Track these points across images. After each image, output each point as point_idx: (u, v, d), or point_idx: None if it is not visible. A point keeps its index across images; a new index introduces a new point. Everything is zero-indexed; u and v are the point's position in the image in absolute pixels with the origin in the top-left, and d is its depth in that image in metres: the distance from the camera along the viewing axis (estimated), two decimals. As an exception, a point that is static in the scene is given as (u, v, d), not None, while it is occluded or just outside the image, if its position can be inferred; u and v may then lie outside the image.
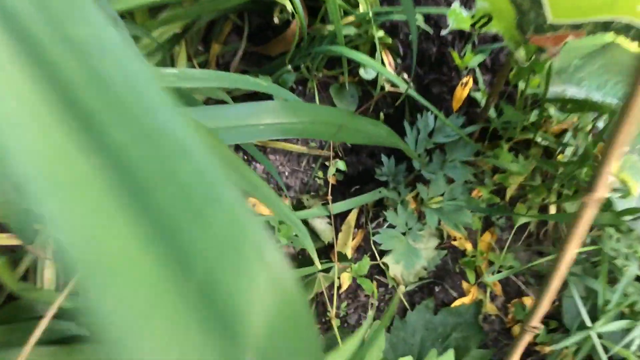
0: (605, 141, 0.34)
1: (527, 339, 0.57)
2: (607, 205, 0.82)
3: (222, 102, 1.34)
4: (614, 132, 0.33)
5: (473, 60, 1.07)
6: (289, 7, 1.07)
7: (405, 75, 1.20)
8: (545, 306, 0.55)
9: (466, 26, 0.88)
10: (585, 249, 0.99)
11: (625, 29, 0.75)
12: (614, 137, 0.33)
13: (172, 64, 1.37)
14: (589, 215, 0.40)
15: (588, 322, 0.89)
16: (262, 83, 0.79)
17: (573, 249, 0.43)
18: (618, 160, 0.93)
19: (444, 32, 1.14)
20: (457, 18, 0.86)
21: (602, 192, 0.37)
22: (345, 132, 0.73)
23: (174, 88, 0.78)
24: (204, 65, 1.44)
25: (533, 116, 1.11)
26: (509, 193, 1.16)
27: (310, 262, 1.16)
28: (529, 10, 0.77)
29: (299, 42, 1.31)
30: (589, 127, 1.08)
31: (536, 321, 0.57)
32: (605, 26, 0.76)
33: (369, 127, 0.75)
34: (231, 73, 0.77)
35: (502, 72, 1.00)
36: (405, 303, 1.13)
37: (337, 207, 1.14)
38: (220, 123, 0.66)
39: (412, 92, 0.99)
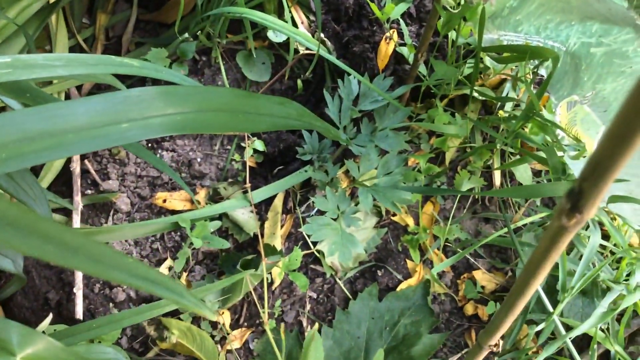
0: (604, 140, 0.19)
1: (484, 354, 0.44)
2: (560, 167, 0.71)
3: (112, 88, 1.15)
4: (620, 130, 0.19)
5: (395, 10, 0.92)
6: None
7: (322, 34, 1.04)
8: (505, 327, 0.43)
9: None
10: (539, 216, 0.89)
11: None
12: (624, 137, 0.19)
13: (50, 45, 1.16)
14: (567, 241, 0.27)
15: (549, 308, 0.79)
16: (132, 64, 0.62)
17: (543, 276, 0.31)
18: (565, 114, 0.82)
19: None
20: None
21: (593, 212, 0.24)
22: (243, 119, 0.57)
23: (9, 82, 0.60)
24: (91, 41, 1.23)
25: (467, 69, 0.98)
26: (449, 157, 1.04)
27: (236, 259, 1.01)
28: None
29: (193, 6, 1.12)
30: (530, 75, 0.96)
31: (494, 340, 0.44)
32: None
33: (274, 109, 0.60)
34: (88, 55, 0.59)
35: (430, 22, 0.85)
36: (347, 292, 1.01)
37: (259, 194, 0.99)
38: (67, 125, 0.49)
39: (327, 55, 0.84)
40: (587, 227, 0.78)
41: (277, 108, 0.61)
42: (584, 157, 0.72)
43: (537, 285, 0.32)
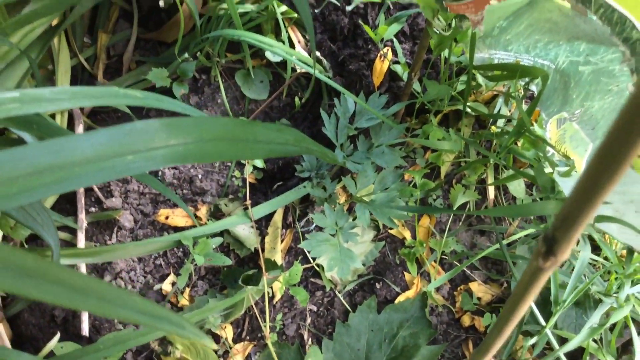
0: (572, 196, 0.22)
1: (541, 281, 0.46)
2: (549, 185, 0.74)
3: (116, 112, 1.17)
4: (595, 173, 0.22)
5: (388, 31, 0.95)
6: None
7: (318, 53, 1.07)
8: (491, 354, 0.45)
9: (375, -3, 0.76)
10: (528, 230, 0.91)
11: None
12: (596, 180, 0.22)
13: (53, 65, 1.18)
14: (544, 280, 0.29)
15: (541, 321, 0.81)
16: (135, 94, 0.65)
17: (524, 310, 0.33)
18: (555, 131, 0.85)
19: (349, 8, 1.01)
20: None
21: (566, 255, 0.26)
22: (243, 147, 0.60)
23: (18, 117, 0.63)
24: (92, 60, 1.26)
25: (461, 84, 1.01)
26: (444, 171, 1.07)
27: (237, 274, 1.03)
28: (443, -25, 0.65)
29: (193, 26, 1.15)
30: (522, 92, 0.99)
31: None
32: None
33: (273, 136, 0.62)
34: (92, 87, 0.61)
35: (422, 42, 0.88)
36: (346, 305, 1.04)
37: (260, 210, 1.01)
38: (74, 158, 0.52)
39: (322, 77, 0.86)
40: (577, 242, 0.80)
41: (276, 135, 0.63)
42: (575, 173, 0.75)
43: (519, 318, 0.34)
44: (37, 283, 0.32)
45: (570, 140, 0.80)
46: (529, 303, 0.32)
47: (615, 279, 0.80)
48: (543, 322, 0.81)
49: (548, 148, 0.84)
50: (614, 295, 0.80)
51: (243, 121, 0.61)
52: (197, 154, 0.58)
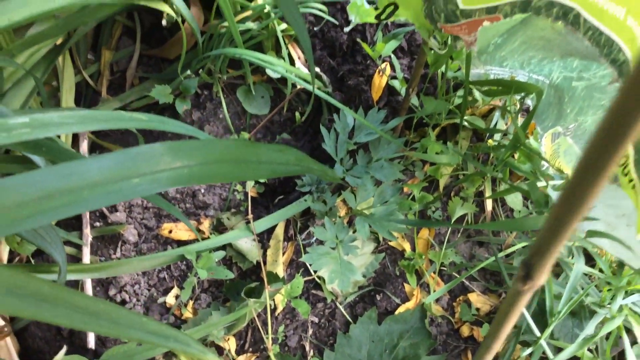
0: (545, 227, 0.24)
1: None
2: (543, 200, 0.75)
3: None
4: (568, 198, 0.24)
5: (386, 48, 0.97)
6: (173, 14, 0.93)
7: (317, 69, 1.09)
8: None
9: (370, 19, 0.78)
10: (522, 243, 0.93)
11: (548, 7, 0.66)
12: (569, 209, 0.24)
13: (58, 81, 1.20)
14: (525, 301, 0.31)
15: (536, 332, 0.83)
16: (140, 118, 0.67)
17: (509, 329, 0.35)
18: (549, 145, 0.86)
19: (347, 29, 1.03)
20: (360, 11, 0.76)
21: (543, 278, 0.28)
22: (245, 168, 0.62)
23: (28, 142, 0.65)
24: (96, 76, 1.28)
25: (458, 98, 1.03)
26: (443, 183, 1.08)
27: (240, 287, 1.05)
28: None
29: (195, 43, 1.17)
30: (517, 106, 1.01)
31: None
32: (524, 6, 0.68)
33: (274, 156, 0.64)
34: (99, 111, 0.64)
35: (419, 60, 0.90)
36: (347, 316, 1.05)
37: (261, 224, 1.03)
38: (83, 182, 0.54)
39: (321, 94, 0.89)
40: (572, 255, 0.82)
41: (277, 155, 0.65)
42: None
43: (505, 335, 0.36)
44: (53, 308, 0.34)
45: (564, 155, 0.82)
46: (513, 321, 0.34)
47: (609, 290, 0.82)
48: (538, 333, 0.83)
49: (543, 162, 0.86)
50: (608, 306, 0.81)
51: (245, 143, 0.64)
52: (201, 176, 0.60)
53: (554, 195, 0.74)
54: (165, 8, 0.91)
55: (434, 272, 1.05)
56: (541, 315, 0.92)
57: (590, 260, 0.92)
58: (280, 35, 1.03)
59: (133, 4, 0.89)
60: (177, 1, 0.87)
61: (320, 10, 0.99)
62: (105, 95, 1.28)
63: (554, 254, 0.26)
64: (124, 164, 0.57)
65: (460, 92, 1.02)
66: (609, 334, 0.90)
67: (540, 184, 0.83)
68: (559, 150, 0.84)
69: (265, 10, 0.98)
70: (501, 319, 0.34)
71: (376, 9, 0.75)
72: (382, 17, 0.76)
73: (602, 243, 0.66)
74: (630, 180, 0.53)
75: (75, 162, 0.55)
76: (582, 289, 0.85)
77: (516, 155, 0.96)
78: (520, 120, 0.98)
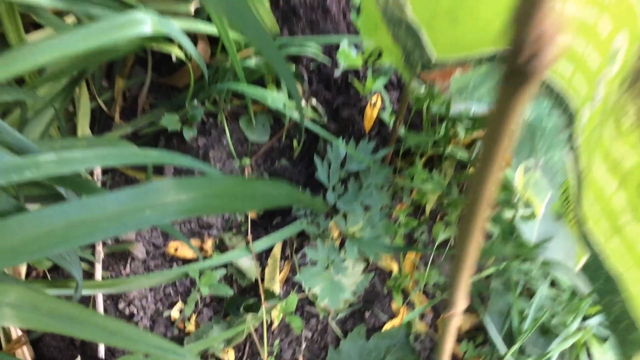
0: (456, 252, 0.33)
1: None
2: (510, 228, 0.84)
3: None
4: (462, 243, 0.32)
5: (376, 84, 1.06)
6: (181, 55, 1.02)
7: (314, 101, 1.18)
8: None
9: (358, 64, 0.87)
10: (492, 269, 1.01)
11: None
12: (463, 249, 0.32)
13: (74, 107, 1.30)
14: (455, 326, 0.39)
15: (502, 349, 0.90)
16: (152, 154, 0.76)
17: (449, 348, 0.43)
18: (521, 177, 0.95)
19: (337, 74, 1.12)
20: (348, 58, 0.85)
21: (462, 305, 0.37)
22: (242, 201, 0.71)
23: (54, 177, 0.74)
24: (110, 103, 1.38)
25: (442, 129, 1.11)
26: (429, 207, 1.17)
27: (239, 303, 1.14)
28: (413, 50, 0.76)
29: (201, 74, 1.26)
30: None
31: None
32: (490, 59, 0.76)
33: (268, 190, 0.73)
34: (118, 148, 0.73)
35: (404, 95, 0.99)
36: (338, 331, 1.13)
37: (260, 244, 1.11)
38: (101, 214, 0.63)
39: (314, 127, 0.97)
40: (537, 280, 0.90)
41: (270, 190, 0.74)
42: (535, 218, 0.85)
43: (447, 356, 0.44)
44: (80, 326, 0.43)
45: (533, 187, 0.90)
46: (450, 342, 0.42)
47: (570, 312, 0.89)
48: (505, 349, 0.91)
49: (516, 192, 0.94)
50: (569, 325, 0.89)
51: (243, 180, 0.73)
52: (203, 208, 0.69)
53: (522, 225, 0.82)
54: (175, 50, 1.00)
55: (419, 292, 1.13)
56: (511, 337, 1.00)
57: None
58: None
59: (145, 47, 0.99)
60: (184, 42, 0.97)
61: (314, 52, 1.09)
62: (118, 121, 1.37)
63: (463, 285, 0.35)
64: (137, 198, 0.66)
65: (445, 124, 1.11)
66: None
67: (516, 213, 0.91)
68: (529, 182, 0.92)
69: (266, 49, 1.07)
70: (440, 343, 0.42)
71: (363, 53, 0.84)
72: (369, 62, 0.85)
73: (558, 270, 0.73)
74: (570, 214, 0.61)
75: (95, 197, 0.64)
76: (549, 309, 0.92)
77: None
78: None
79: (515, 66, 0.28)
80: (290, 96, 1.18)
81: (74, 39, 0.82)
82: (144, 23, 0.84)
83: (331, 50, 1.18)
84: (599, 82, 0.57)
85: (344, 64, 0.86)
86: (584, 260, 0.56)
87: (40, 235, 0.60)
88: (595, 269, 0.54)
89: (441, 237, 1.11)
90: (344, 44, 0.85)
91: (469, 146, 1.17)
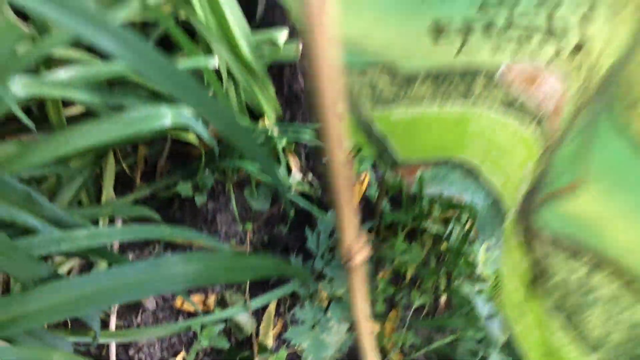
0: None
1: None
2: (464, 301, 0.97)
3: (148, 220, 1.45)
4: None
5: (363, 165, 1.22)
6: (195, 141, 1.20)
7: (310, 176, 1.34)
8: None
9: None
10: (452, 337, 1.14)
11: (454, 164, 0.91)
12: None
13: (101, 170, 1.48)
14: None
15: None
16: (166, 230, 0.92)
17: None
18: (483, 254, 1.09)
19: (324, 161, 1.29)
20: (332, 151, 1.02)
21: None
22: (238, 272, 0.86)
23: (86, 249, 0.90)
24: (133, 166, 1.56)
25: (420, 207, 1.26)
26: (409, 275, 1.31)
27: (235, 356, 1.27)
28: (383, 152, 0.92)
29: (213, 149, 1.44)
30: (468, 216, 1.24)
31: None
32: (446, 162, 0.92)
33: (259, 264, 0.88)
34: (137, 226, 0.89)
35: (384, 178, 1.15)
36: (323, 384, 1.26)
37: (257, 302, 1.26)
38: (123, 281, 0.78)
39: (301, 201, 1.13)
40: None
41: (262, 263, 0.89)
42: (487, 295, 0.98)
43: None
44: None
45: (492, 264, 1.04)
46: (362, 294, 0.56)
47: None
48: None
49: (480, 267, 1.08)
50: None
51: (237, 255, 0.88)
52: (205, 279, 0.85)
53: (475, 299, 0.96)
54: (191, 137, 1.18)
55: (398, 351, 1.25)
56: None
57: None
58: (280, 149, 1.29)
59: (164, 135, 1.17)
60: (200, 131, 1.15)
61: (309, 138, 1.26)
62: (139, 183, 1.55)
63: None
64: (152, 270, 0.81)
65: (424, 201, 1.26)
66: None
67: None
68: (489, 259, 1.06)
69: (269, 134, 1.25)
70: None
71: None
72: (352, 151, 1.01)
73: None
74: (497, 299, 0.75)
75: (119, 267, 0.80)
76: None
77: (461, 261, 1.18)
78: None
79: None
80: (289, 168, 1.34)
81: (105, 129, 1.00)
82: (165, 117, 1.02)
83: (326, 133, 1.35)
84: (518, 194, 0.72)
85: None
86: (506, 338, 0.70)
87: (73, 299, 0.76)
88: (512, 349, 0.68)
89: (417, 303, 1.24)
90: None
91: (448, 220, 1.32)
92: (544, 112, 0.60)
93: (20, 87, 0.91)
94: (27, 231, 0.89)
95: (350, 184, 0.44)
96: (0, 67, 0.87)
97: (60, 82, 1.00)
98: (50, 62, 1.06)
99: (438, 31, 0.56)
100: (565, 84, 0.54)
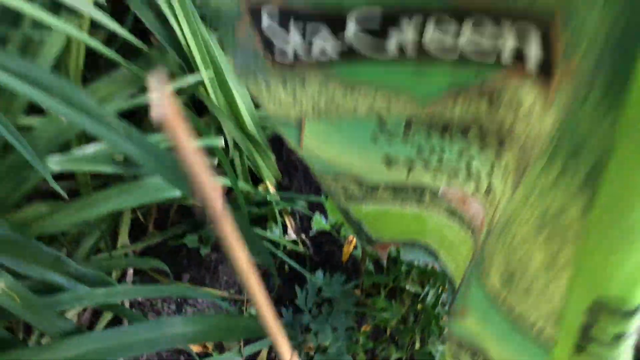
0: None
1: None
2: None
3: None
4: None
5: (349, 231, 1.38)
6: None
7: (303, 236, 1.50)
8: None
9: (327, 228, 1.19)
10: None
11: (424, 246, 1.06)
12: None
13: (118, 221, 1.64)
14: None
15: None
16: (174, 289, 1.07)
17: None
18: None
19: (312, 234, 1.45)
20: (319, 224, 1.17)
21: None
22: (231, 332, 1.01)
23: (106, 305, 1.06)
24: (146, 215, 1.72)
25: (400, 269, 1.41)
26: (389, 330, 1.45)
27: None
28: (360, 230, 1.08)
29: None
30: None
31: None
32: (412, 243, 1.07)
33: (246, 324, 1.03)
34: (148, 286, 1.05)
35: (363, 248, 1.30)
36: None
37: (251, 348, 1.40)
38: (138, 338, 0.94)
39: (293, 264, 1.28)
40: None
41: (250, 324, 1.04)
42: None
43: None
44: None
45: None
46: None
47: None
48: None
49: (447, 331, 1.22)
50: None
51: (230, 317, 1.03)
52: (202, 337, 1.00)
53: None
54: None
55: (375, 400, 1.39)
56: None
57: None
58: (277, 212, 1.45)
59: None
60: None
61: (302, 209, 1.42)
62: (152, 229, 1.71)
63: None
64: (159, 329, 0.96)
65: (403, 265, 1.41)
66: None
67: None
68: (447, 354, 1.20)
69: (269, 198, 1.41)
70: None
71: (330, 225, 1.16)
72: (335, 226, 1.16)
73: None
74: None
75: (135, 325, 0.96)
76: None
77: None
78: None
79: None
80: (285, 227, 1.50)
81: (125, 198, 1.16)
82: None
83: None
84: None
85: (316, 228, 1.18)
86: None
87: (92, 351, 0.91)
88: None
89: (394, 357, 1.38)
90: (317, 215, 1.17)
91: (422, 284, 1.46)
92: (474, 226, 0.75)
93: (55, 164, 1.08)
94: (52, 287, 1.05)
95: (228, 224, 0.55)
96: (41, 149, 1.05)
97: (87, 157, 1.16)
98: (81, 138, 1.24)
99: (389, 163, 0.72)
100: (484, 212, 0.69)
